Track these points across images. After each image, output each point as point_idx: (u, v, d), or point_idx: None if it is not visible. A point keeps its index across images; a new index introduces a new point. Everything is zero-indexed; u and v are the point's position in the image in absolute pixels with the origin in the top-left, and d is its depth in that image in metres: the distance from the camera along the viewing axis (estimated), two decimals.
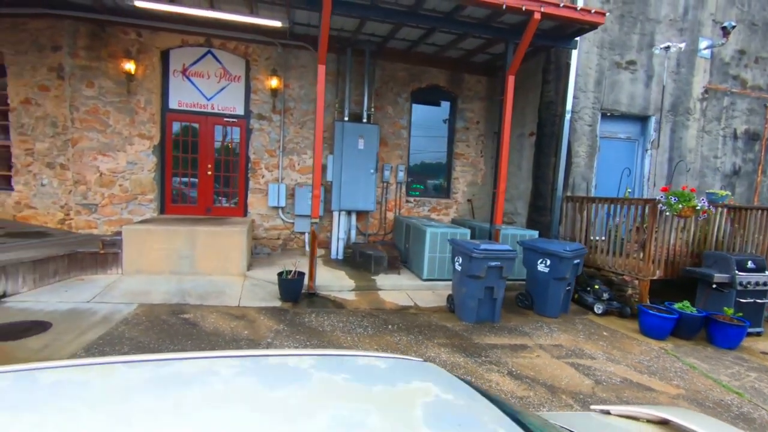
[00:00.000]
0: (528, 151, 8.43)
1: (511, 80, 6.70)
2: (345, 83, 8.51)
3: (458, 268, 5.75)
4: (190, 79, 8.15)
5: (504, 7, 5.85)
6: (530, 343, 5.07)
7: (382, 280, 7.02)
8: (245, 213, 8.63)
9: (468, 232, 7.12)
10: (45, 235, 7.22)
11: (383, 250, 7.75)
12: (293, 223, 8.68)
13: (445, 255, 7.01)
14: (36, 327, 4.47)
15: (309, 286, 6.12)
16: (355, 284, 6.70)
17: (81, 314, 4.94)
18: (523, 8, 5.93)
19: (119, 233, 6.67)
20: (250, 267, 7.15)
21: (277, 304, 5.82)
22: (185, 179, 8.38)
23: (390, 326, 5.29)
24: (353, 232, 8.73)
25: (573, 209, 7.75)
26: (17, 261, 5.48)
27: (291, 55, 8.40)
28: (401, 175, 9.21)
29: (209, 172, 8.42)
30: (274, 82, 8.19)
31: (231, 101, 8.39)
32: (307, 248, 8.70)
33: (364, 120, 8.56)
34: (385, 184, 9.16)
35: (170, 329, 4.69)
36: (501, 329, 5.49)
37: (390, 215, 9.29)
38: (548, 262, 6.04)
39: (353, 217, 8.69)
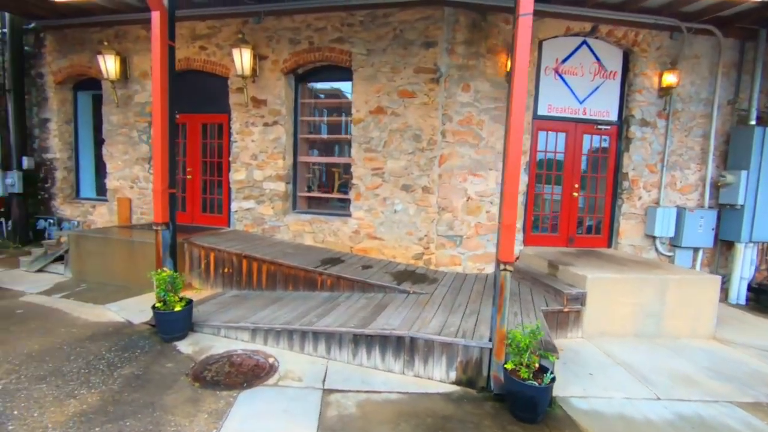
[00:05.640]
0: None
1: None
2: (755, 77, 6.55)
3: None
4: (562, 78, 6.51)
5: None
6: None
7: None
8: (610, 243, 6.91)
9: None
10: (421, 277, 5.82)
11: None
12: (671, 255, 6.85)
13: None
14: None
15: None
16: None
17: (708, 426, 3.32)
18: None
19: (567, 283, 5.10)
20: None
21: None
22: (546, 202, 6.78)
23: None
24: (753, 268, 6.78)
25: None
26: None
27: (684, 44, 6.54)
28: None
29: (575, 193, 6.76)
30: (670, 78, 6.37)
31: (604, 104, 6.68)
32: None
33: None
34: None
35: None
36: None
37: None
38: None
39: (755, 249, 6.74)
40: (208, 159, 7.52)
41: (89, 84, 8.40)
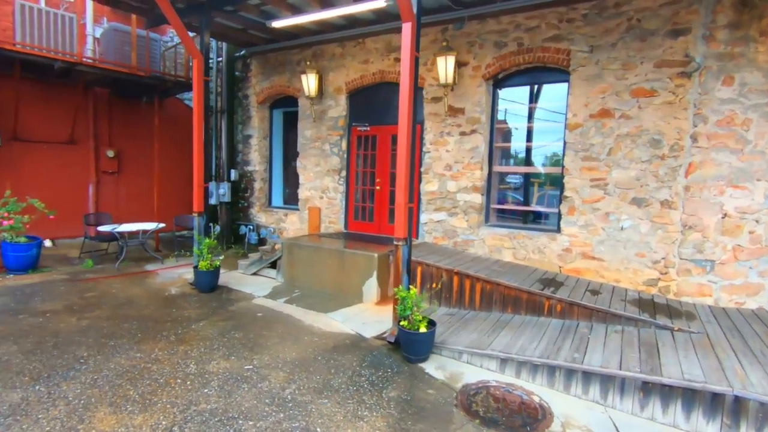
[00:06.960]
0: None
1: None
2: None
3: None
4: None
5: None
6: None
7: None
8: None
9: None
10: (668, 309, 4.85)
11: None
12: None
13: None
14: None
15: None
16: None
17: None
18: None
19: None
20: None
21: None
22: None
23: None
24: None
25: None
26: None
27: None
28: None
29: None
30: None
31: None
32: None
33: None
34: None
35: None
36: None
37: None
38: None
39: None
40: (396, 170, 7.50)
41: (282, 102, 9.16)
